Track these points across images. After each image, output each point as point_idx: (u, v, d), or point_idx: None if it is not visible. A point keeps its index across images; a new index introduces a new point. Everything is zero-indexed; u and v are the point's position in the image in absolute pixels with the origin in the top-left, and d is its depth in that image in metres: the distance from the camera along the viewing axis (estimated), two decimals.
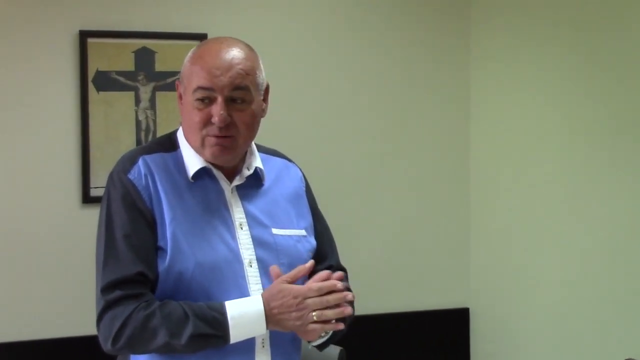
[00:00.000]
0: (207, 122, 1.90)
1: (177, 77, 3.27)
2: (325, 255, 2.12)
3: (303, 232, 2.07)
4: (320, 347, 2.01)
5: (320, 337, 1.94)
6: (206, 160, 1.96)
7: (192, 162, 1.96)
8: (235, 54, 1.93)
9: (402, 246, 3.74)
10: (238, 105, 1.92)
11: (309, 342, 1.97)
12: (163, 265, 1.86)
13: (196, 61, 1.92)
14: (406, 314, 3.74)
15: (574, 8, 3.23)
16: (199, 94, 1.90)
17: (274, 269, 1.90)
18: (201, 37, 3.35)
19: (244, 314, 1.84)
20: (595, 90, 3.14)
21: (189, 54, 1.97)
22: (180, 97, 1.98)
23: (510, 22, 3.57)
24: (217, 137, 1.91)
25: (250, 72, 1.93)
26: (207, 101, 1.90)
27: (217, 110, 1.89)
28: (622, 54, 3.02)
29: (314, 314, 1.85)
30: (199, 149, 1.94)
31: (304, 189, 2.15)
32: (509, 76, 3.59)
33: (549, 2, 3.37)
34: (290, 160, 2.18)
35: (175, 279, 1.87)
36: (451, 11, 3.76)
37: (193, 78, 1.91)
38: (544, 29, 3.38)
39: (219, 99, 1.89)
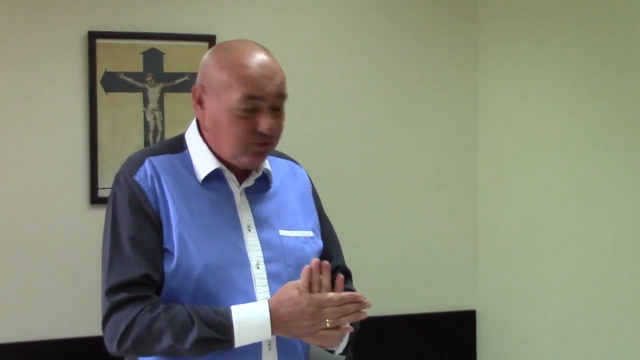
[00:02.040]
0: (252, 131, 1.90)
1: (185, 78, 3.33)
2: (330, 257, 2.11)
3: (310, 234, 2.07)
4: (344, 352, 2.01)
5: (340, 341, 1.95)
6: (229, 162, 1.95)
7: (203, 164, 1.95)
8: (272, 62, 1.93)
9: (409, 248, 3.74)
10: (276, 112, 1.93)
11: (328, 349, 1.97)
12: (170, 267, 1.86)
13: (237, 69, 1.89)
14: (413, 316, 3.74)
15: (582, 7, 3.23)
16: (248, 104, 1.88)
17: (315, 261, 1.88)
18: (209, 38, 3.36)
19: (250, 319, 1.83)
20: (603, 91, 3.13)
21: (214, 61, 1.93)
22: (200, 103, 1.95)
23: (518, 21, 3.56)
24: (260, 145, 1.92)
25: (285, 80, 1.95)
26: (252, 110, 1.90)
27: (267, 119, 1.89)
28: (631, 54, 3.01)
29: (327, 321, 1.84)
30: (235, 156, 1.93)
31: (310, 190, 2.16)
32: (516, 78, 3.59)
33: (557, 1, 3.36)
34: (296, 163, 2.18)
35: (181, 281, 1.87)
36: (458, 12, 3.77)
37: (236, 86, 1.88)
38: (551, 29, 3.37)
39: (265, 107, 1.89)
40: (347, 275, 2.18)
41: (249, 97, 1.88)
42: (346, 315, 1.87)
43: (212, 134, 1.95)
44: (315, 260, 1.88)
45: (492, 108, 3.73)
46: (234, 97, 1.88)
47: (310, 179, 2.18)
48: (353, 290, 2.10)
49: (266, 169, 2.02)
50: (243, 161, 1.94)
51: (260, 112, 1.89)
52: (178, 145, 2.00)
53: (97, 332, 1.97)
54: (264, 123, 1.89)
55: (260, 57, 1.91)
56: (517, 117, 3.58)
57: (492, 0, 3.72)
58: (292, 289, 1.85)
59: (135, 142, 3.29)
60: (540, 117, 3.45)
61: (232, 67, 1.90)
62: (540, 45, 3.43)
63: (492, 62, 3.72)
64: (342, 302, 1.85)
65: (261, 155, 1.95)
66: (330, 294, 1.85)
